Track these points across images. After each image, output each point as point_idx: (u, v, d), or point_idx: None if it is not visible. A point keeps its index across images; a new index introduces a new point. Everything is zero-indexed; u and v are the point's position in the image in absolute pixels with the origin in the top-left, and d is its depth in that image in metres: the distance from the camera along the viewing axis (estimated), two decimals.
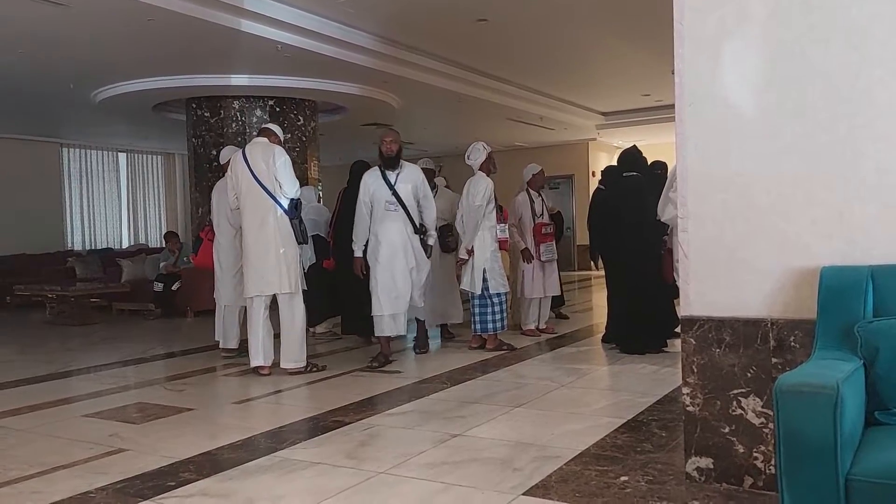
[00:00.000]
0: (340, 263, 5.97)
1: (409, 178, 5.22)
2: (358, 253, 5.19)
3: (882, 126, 2.36)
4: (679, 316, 2.75)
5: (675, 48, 2.66)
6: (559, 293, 6.96)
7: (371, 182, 5.20)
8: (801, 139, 2.47)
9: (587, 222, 6.77)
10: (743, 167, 2.57)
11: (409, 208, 5.16)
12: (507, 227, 6.30)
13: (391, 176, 5.16)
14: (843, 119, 2.41)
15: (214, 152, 8.87)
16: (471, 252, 5.73)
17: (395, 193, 5.12)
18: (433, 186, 6.03)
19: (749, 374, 2.54)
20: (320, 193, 9.39)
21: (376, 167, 5.25)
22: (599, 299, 8.35)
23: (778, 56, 2.51)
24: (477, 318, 5.82)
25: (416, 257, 5.20)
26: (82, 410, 4.19)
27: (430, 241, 5.35)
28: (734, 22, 2.57)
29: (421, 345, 5.80)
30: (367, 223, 5.16)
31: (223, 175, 5.57)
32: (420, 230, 5.24)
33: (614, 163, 6.56)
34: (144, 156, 14.27)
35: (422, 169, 5.54)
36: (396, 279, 5.13)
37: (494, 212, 5.87)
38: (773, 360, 2.49)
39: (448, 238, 6.10)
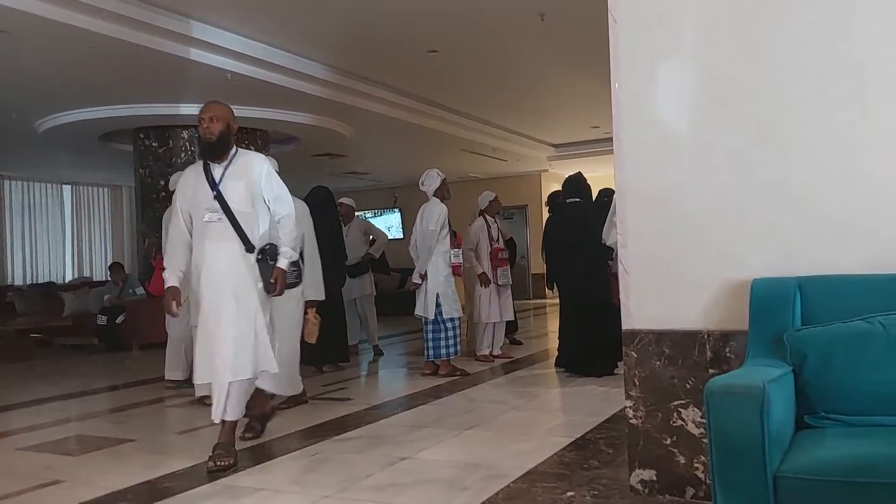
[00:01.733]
0: None
1: (244, 171, 3.43)
2: (171, 281, 3.41)
3: (807, 141, 2.48)
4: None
5: (612, 71, 2.76)
6: (513, 318, 7.00)
7: (190, 181, 3.49)
8: (732, 155, 2.58)
9: (541, 250, 6.86)
10: (678, 183, 2.66)
11: (238, 217, 3.37)
12: (460, 252, 6.35)
13: (216, 171, 3.42)
14: (770, 136, 2.53)
15: (162, 182, 8.73)
16: (424, 277, 5.76)
17: (218, 196, 3.38)
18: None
19: (688, 386, 2.60)
20: None
21: (200, 161, 3.55)
22: (553, 325, 8.40)
23: (708, 77, 2.63)
24: (430, 344, 5.81)
25: (254, 293, 3.38)
26: (17, 444, 4.01)
27: (282, 263, 3.42)
28: (666, 46, 2.69)
29: (249, 428, 3.87)
30: (184, 239, 3.45)
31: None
32: (267, 252, 3.41)
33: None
34: (90, 188, 13.95)
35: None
36: (219, 331, 3.34)
37: (448, 237, 5.92)
38: (710, 370, 2.55)
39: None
